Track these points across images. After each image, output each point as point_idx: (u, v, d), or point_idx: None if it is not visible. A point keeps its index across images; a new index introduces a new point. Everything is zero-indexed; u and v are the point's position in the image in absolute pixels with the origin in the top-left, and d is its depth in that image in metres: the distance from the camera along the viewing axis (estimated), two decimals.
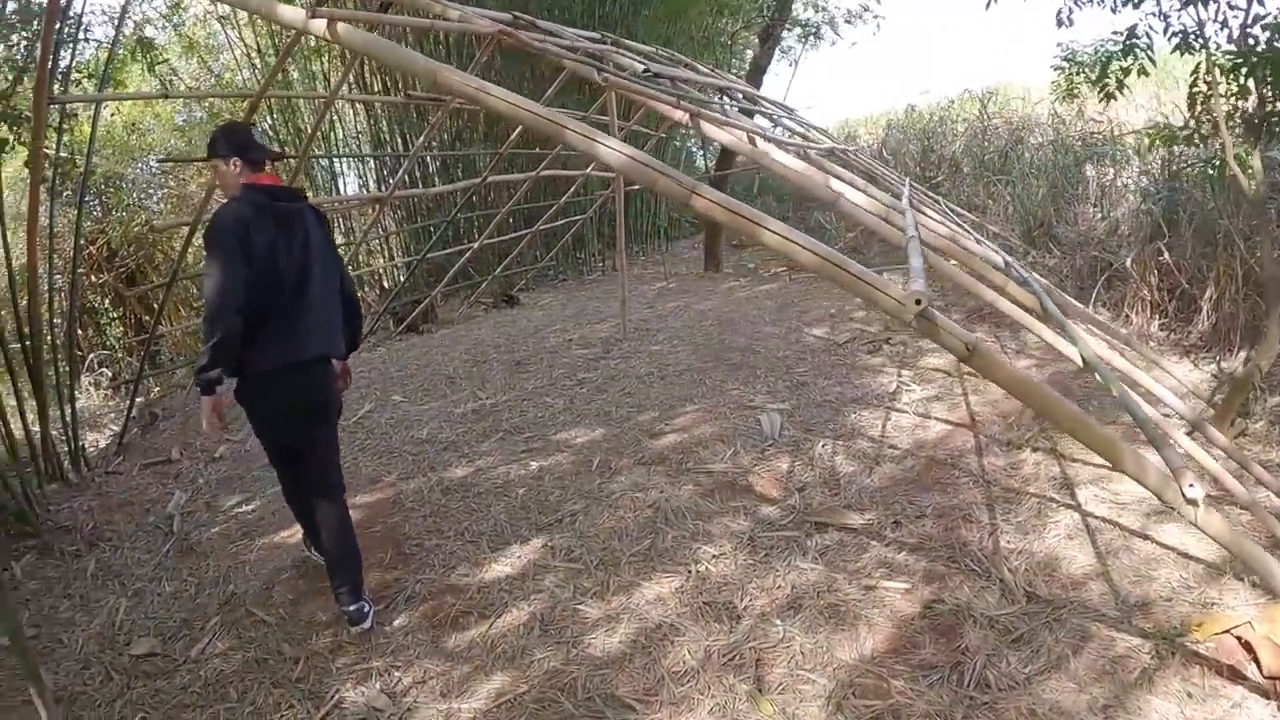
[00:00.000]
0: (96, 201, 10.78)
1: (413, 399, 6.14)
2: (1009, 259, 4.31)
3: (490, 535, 3.85)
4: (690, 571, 3.34)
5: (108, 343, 10.60)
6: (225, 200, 3.08)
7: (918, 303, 1.95)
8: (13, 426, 4.82)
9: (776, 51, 12.96)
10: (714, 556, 3.44)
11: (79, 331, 10.44)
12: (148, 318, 11.05)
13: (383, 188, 10.08)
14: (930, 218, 4.41)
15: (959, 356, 2.10)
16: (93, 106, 5.57)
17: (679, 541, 3.58)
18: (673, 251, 13.34)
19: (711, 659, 2.81)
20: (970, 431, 4.50)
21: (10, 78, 4.84)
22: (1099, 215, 7.32)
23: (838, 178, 4.08)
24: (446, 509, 4.18)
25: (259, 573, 3.79)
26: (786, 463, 4.27)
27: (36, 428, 5.08)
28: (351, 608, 3.20)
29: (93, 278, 10.49)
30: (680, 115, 3.63)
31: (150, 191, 11.58)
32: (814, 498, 3.89)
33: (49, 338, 5.35)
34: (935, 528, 3.52)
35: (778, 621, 2.97)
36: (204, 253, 2.99)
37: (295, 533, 4.08)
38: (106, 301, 10.63)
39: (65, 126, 5.40)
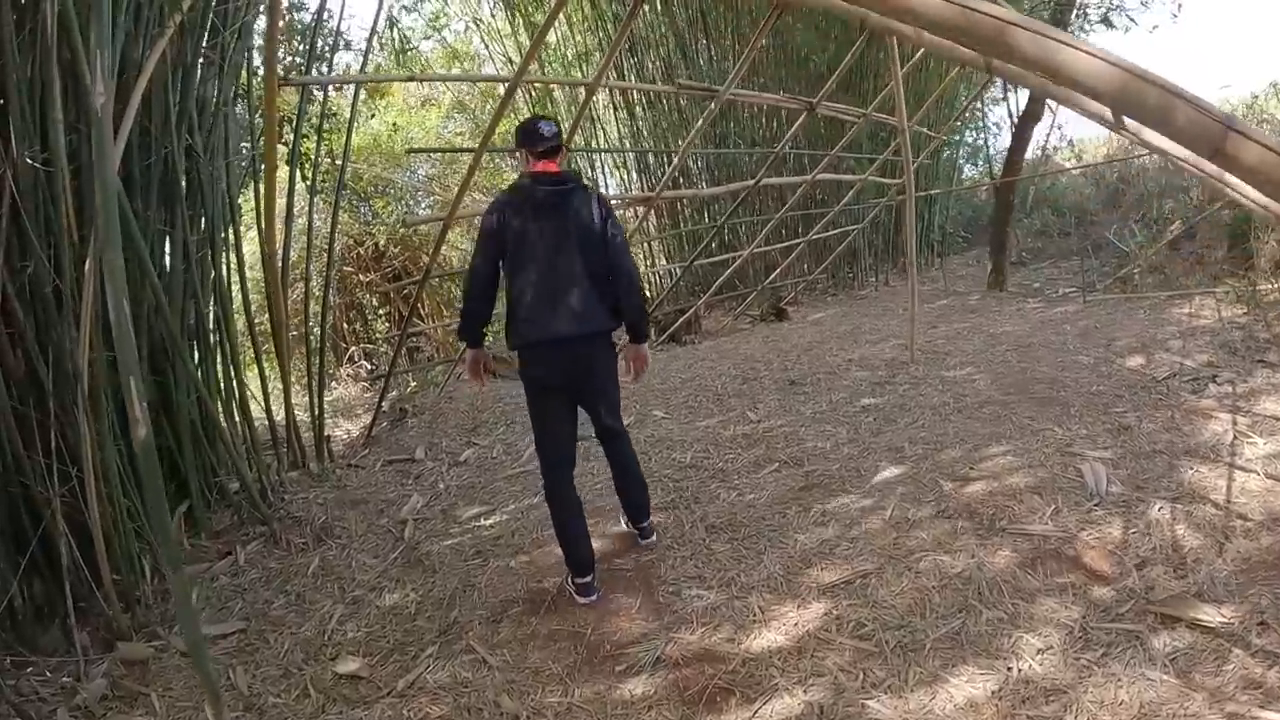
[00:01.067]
0: (365, 205, 11.29)
1: (675, 415, 5.56)
2: None
3: (762, 590, 3.15)
4: (1010, 670, 2.53)
5: (373, 336, 11.02)
6: None
7: None
8: (251, 413, 4.74)
9: None
10: (1039, 651, 2.60)
11: (345, 325, 10.94)
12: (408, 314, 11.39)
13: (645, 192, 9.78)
14: None
15: None
16: (350, 113, 5.49)
17: (996, 626, 2.75)
18: (946, 267, 12.15)
19: None
20: None
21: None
22: None
23: None
24: (711, 552, 3.52)
25: (487, 601, 3.34)
26: (1118, 529, 3.32)
27: (283, 416, 5.01)
28: (644, 524, 3.64)
29: (361, 276, 10.90)
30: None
31: (419, 198, 12.00)
32: (1155, 579, 2.94)
33: (306, 329, 5.34)
34: None
35: None
36: None
37: (535, 557, 3.63)
38: (374, 298, 11.01)
39: (326, 129, 5.37)
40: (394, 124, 10.79)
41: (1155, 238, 9.91)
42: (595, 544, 3.41)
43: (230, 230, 4.55)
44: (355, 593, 3.52)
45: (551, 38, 9.75)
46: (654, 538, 3.63)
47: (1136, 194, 11.99)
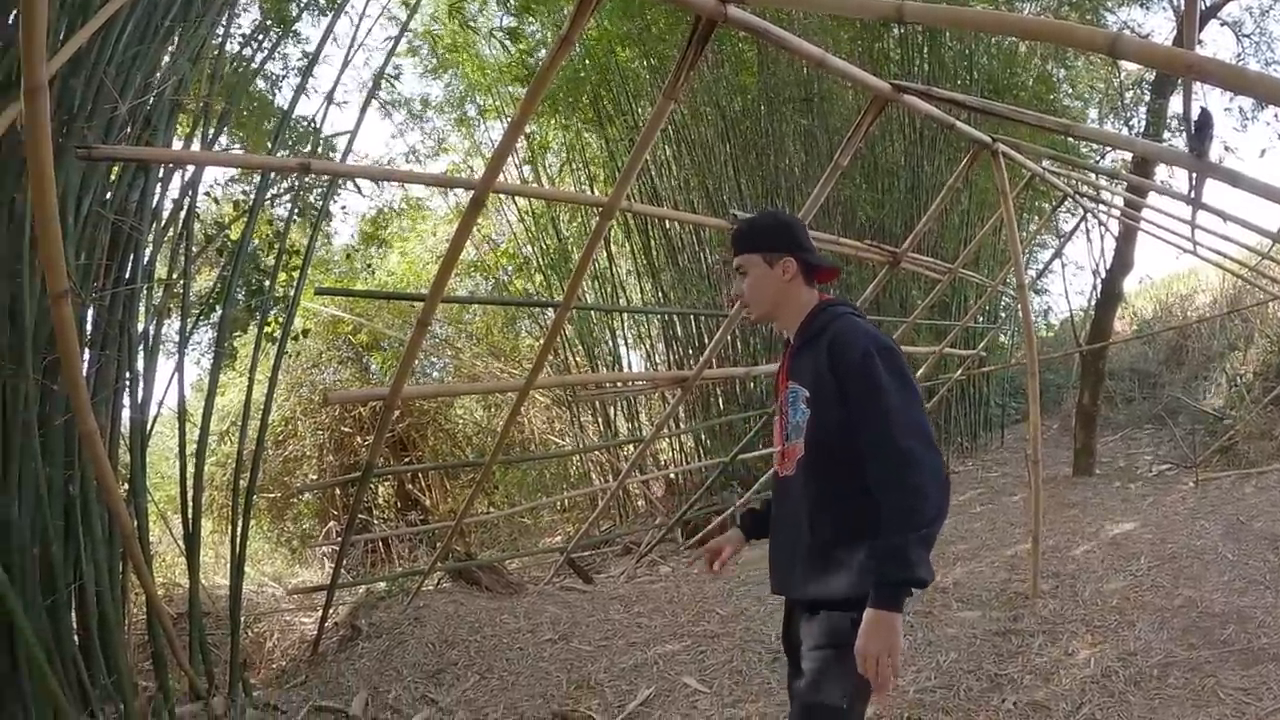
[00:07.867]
0: (372, 359, 10.48)
1: (715, 684, 3.68)
2: None
3: None
4: None
5: (376, 503, 10.00)
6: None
7: None
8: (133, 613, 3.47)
9: None
10: None
11: (338, 491, 9.78)
12: (411, 486, 10.23)
13: (671, 367, 8.47)
14: None
15: None
16: (308, 245, 4.45)
17: None
18: (1008, 446, 10.59)
19: None
20: None
21: None
22: None
23: None
24: None
25: None
26: None
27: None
28: None
29: (360, 439, 9.89)
30: None
31: (433, 360, 11.07)
32: None
33: (234, 502, 4.12)
34: None
35: None
36: (874, 373, 1.89)
37: None
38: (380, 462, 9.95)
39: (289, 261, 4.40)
40: (370, 265, 9.89)
41: (1244, 398, 8.58)
42: None
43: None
44: None
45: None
46: None
47: (1202, 350, 10.65)
